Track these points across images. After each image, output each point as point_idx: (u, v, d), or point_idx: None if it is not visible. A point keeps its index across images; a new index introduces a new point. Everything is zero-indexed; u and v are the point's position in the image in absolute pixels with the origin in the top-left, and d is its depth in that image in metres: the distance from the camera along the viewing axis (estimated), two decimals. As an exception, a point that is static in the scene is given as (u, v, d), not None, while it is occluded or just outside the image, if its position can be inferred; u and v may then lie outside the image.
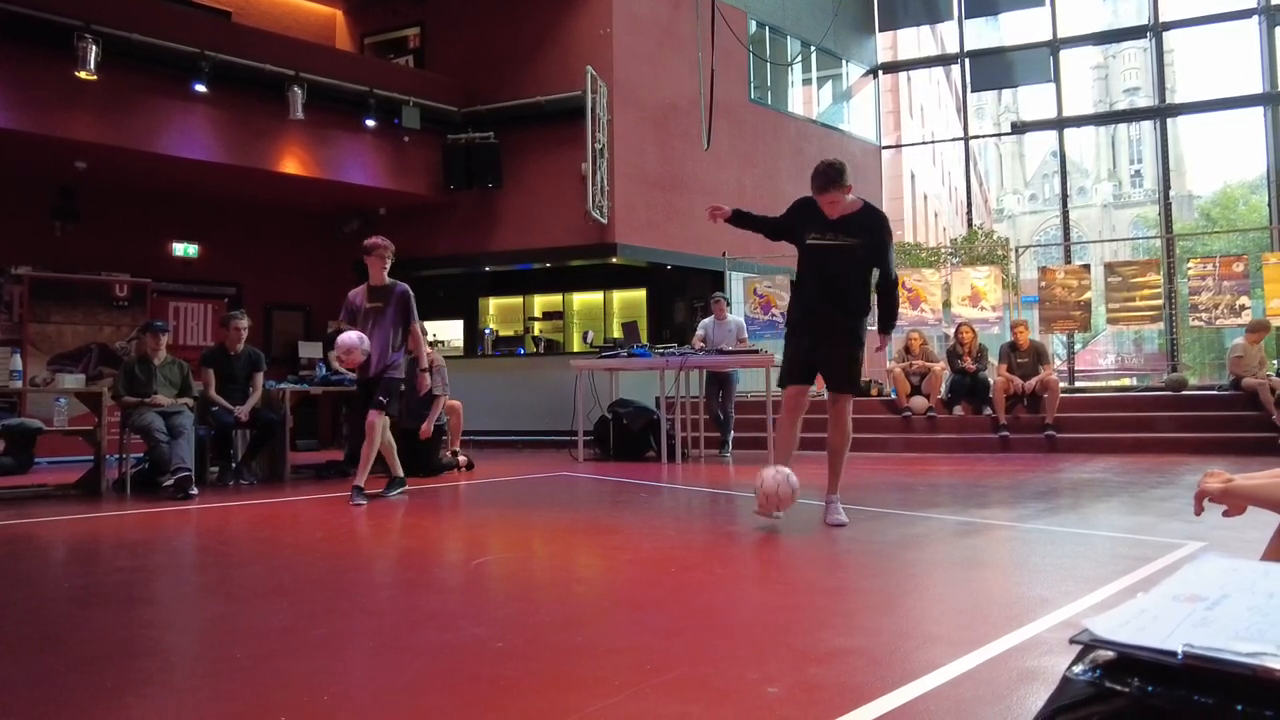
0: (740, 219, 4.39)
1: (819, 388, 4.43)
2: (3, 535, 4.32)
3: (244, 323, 6.81)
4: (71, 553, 4.05)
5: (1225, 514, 1.54)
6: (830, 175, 3.94)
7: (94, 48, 8.11)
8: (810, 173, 4.04)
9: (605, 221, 10.56)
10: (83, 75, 8.14)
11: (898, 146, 18.43)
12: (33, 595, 3.08)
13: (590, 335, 10.90)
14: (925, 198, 23.92)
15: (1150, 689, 0.70)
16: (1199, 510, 1.57)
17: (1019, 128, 20.21)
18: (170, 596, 3.14)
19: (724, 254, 11.40)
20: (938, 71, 24.51)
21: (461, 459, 7.47)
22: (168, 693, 2.00)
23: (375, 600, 2.83)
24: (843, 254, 4.02)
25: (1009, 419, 8.66)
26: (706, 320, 8.81)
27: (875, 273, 4.16)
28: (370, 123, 10.30)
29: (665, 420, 8.24)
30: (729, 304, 9.20)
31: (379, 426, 5.43)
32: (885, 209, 17.73)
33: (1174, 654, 0.70)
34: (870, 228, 4.03)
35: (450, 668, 2.09)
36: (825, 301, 4.11)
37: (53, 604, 2.96)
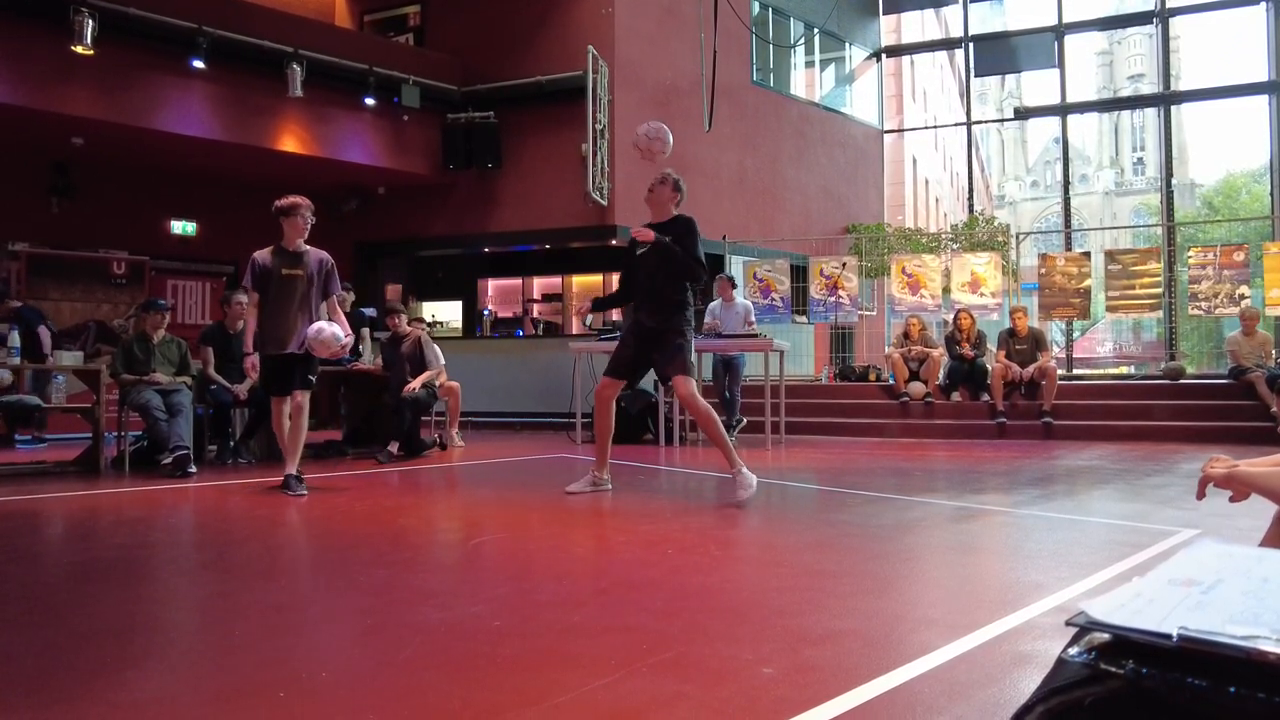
0: (601, 301, 5.00)
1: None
2: (2, 511, 4.33)
3: (244, 300, 6.79)
4: (70, 529, 4.06)
5: (1232, 500, 1.55)
6: (680, 186, 4.73)
7: (91, 22, 8.04)
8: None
9: (605, 203, 10.52)
10: (79, 50, 8.08)
11: (900, 131, 18.35)
12: (32, 571, 3.10)
13: (590, 318, 10.88)
14: (926, 183, 23.84)
15: (1145, 671, 0.71)
16: (1201, 495, 1.58)
17: (1022, 113, 20.14)
18: (169, 573, 3.16)
19: (724, 237, 11.37)
20: (941, 55, 24.35)
21: (438, 436, 7.54)
22: (167, 667, 2.01)
23: (373, 578, 2.85)
24: (658, 255, 4.55)
25: (1006, 405, 8.68)
26: (714, 303, 8.69)
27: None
28: (370, 101, 10.24)
29: (664, 403, 8.25)
30: (734, 285, 9.12)
31: (307, 407, 4.98)
32: (886, 193, 17.56)
33: (1169, 637, 0.70)
34: (677, 230, 4.58)
35: (448, 645, 2.11)
36: (650, 301, 4.62)
37: (52, 580, 2.97)
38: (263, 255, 4.94)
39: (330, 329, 4.85)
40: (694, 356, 4.66)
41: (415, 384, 6.87)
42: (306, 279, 4.95)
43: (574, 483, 4.79)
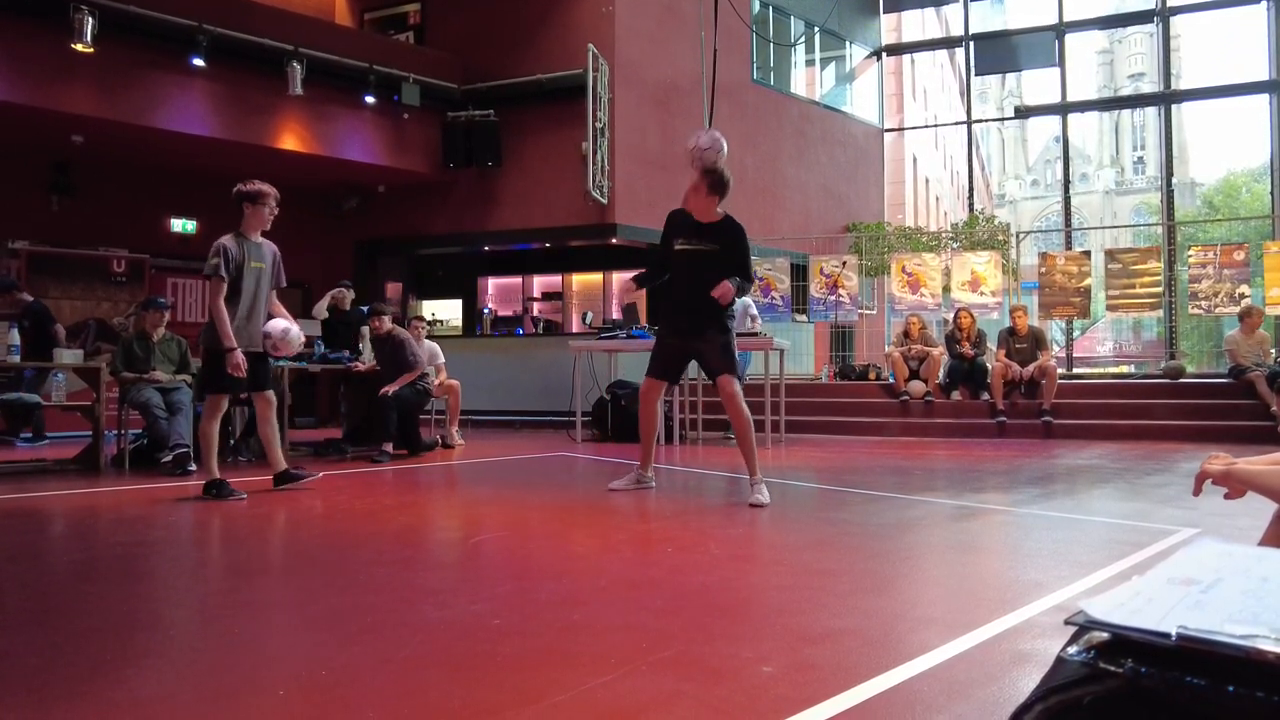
0: (643, 279, 4.78)
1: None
2: (2, 510, 4.34)
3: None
4: (70, 527, 4.06)
5: (1227, 496, 1.55)
6: (725, 183, 4.39)
7: (91, 20, 8.04)
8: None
9: (605, 202, 10.52)
10: (79, 48, 8.07)
11: (900, 129, 18.33)
12: (32, 569, 3.10)
13: (589, 316, 10.89)
14: (927, 181, 23.83)
15: (1144, 670, 0.71)
16: (1198, 491, 1.58)
17: (1022, 112, 20.16)
18: (168, 571, 3.16)
19: (724, 236, 11.36)
20: (941, 54, 24.34)
21: (438, 435, 7.54)
22: (167, 665, 2.01)
23: (373, 577, 2.84)
24: (705, 258, 4.41)
25: (1006, 404, 8.68)
26: None
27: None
28: (370, 99, 10.23)
29: (663, 401, 8.24)
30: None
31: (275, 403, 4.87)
32: (886, 192, 17.47)
33: (1168, 636, 0.70)
34: (729, 236, 4.44)
35: (447, 644, 2.11)
36: (692, 300, 4.44)
37: (52, 578, 2.97)
38: (230, 243, 4.60)
39: (294, 328, 4.78)
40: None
41: (391, 387, 6.80)
42: (267, 273, 4.77)
43: (616, 480, 4.82)
